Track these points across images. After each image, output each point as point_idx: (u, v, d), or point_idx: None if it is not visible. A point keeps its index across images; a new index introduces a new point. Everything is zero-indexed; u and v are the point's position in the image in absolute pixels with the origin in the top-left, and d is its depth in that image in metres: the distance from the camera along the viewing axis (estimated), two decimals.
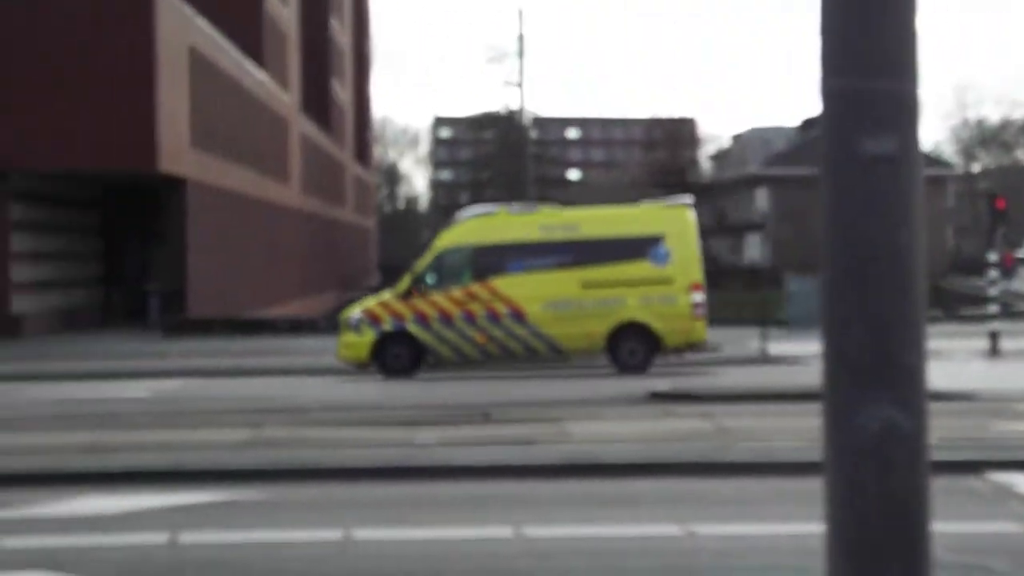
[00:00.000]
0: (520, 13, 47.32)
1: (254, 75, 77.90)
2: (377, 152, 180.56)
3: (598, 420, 23.74)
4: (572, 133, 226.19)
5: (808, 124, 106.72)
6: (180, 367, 40.15)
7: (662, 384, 30.17)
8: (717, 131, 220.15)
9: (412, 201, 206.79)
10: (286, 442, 21.21)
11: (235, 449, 20.60)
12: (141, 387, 34.28)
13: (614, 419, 24.08)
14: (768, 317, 44.17)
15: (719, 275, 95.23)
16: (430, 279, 37.01)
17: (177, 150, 58.61)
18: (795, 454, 19.05)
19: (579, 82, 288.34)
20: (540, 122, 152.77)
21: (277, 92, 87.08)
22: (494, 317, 36.38)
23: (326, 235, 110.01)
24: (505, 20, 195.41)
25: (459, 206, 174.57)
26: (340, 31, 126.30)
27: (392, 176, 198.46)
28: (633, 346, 36.42)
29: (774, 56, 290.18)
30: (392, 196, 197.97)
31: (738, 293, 72.93)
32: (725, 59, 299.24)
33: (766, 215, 56.04)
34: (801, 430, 21.00)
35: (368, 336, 36.56)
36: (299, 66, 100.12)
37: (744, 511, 15.87)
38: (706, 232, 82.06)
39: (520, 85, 57.39)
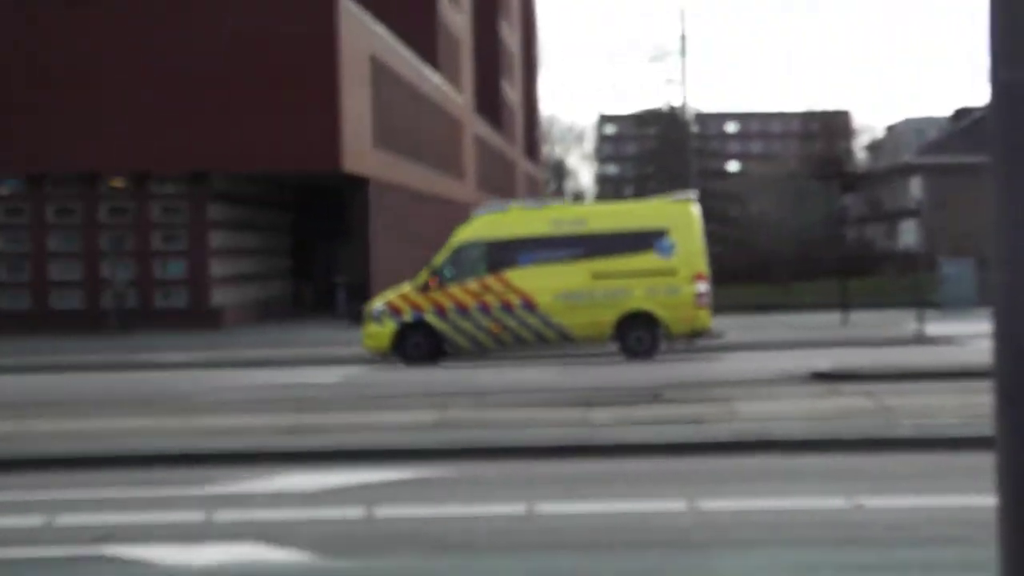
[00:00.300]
0: (682, 13, 47.25)
1: (430, 79, 78.20)
2: (545, 149, 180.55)
3: (764, 399, 23.56)
4: (731, 127, 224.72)
5: (960, 114, 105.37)
6: (369, 354, 40.37)
7: (824, 364, 29.95)
8: (871, 122, 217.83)
9: (579, 195, 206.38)
10: (470, 423, 21.29)
11: (423, 430, 20.73)
12: (332, 373, 34.52)
13: (780, 398, 23.89)
14: (923, 300, 43.91)
15: (874, 260, 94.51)
16: (447, 272, 37.26)
17: (360, 151, 58.96)
18: (957, 430, 18.92)
19: (737, 76, 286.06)
20: (700, 117, 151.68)
21: (452, 94, 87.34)
22: (507, 307, 36.56)
23: None
24: (667, 20, 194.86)
25: (627, 199, 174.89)
26: (509, 35, 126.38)
27: (559, 171, 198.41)
28: (640, 334, 36.45)
29: (926, 48, 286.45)
30: (560, 190, 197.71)
31: (893, 277, 72.30)
32: (879, 51, 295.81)
33: (920, 202, 55.36)
34: (961, 407, 20.85)
35: (389, 327, 36.97)
36: (472, 69, 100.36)
37: (908, 485, 15.74)
38: (862, 219, 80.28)
39: (682, 82, 57.06)
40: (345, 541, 13.42)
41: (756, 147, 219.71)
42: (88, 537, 13.88)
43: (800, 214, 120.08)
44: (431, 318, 36.79)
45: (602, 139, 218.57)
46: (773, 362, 33.11)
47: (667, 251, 36.51)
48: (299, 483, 16.75)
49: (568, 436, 19.61)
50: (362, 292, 59.16)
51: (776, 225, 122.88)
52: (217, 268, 57.14)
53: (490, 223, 38.14)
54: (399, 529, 14.00)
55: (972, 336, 37.57)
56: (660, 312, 36.24)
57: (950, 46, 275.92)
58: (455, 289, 36.88)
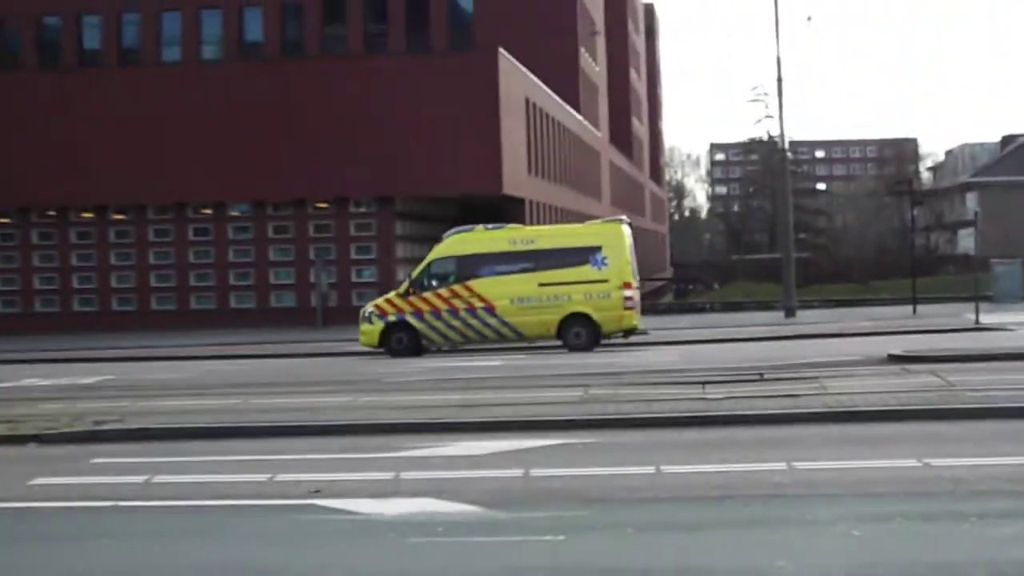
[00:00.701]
0: (778, 60, 47.18)
1: (573, 117, 78.20)
2: (667, 173, 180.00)
3: (848, 378, 23.34)
4: (819, 153, 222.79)
5: (1007, 140, 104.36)
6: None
7: (897, 348, 29.64)
8: (934, 148, 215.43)
9: (695, 211, 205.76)
10: (608, 399, 21.28)
11: (570, 404, 20.75)
12: (494, 359, 34.67)
13: (861, 376, 23.69)
14: (979, 294, 43.61)
15: (938, 262, 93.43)
16: (424, 281, 38.56)
17: (517, 177, 59.11)
18: (1010, 401, 18.71)
19: (824, 109, 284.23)
20: (794, 144, 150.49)
21: (591, 130, 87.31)
22: (472, 310, 37.83)
23: None
24: (766, 63, 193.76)
25: (734, 214, 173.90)
26: (637, 81, 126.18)
27: (679, 192, 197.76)
28: (578, 331, 37.45)
29: (978, 84, 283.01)
30: (679, 207, 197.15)
31: (953, 276, 71.58)
32: (939, 87, 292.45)
33: (975, 214, 55.18)
34: (1013, 382, 20.69)
35: (378, 326, 38.13)
36: (607, 109, 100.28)
37: (971, 448, 15.55)
38: (928, 228, 78.10)
39: (779, 116, 56.72)
40: (506, 496, 13.46)
41: (840, 169, 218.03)
42: (302, 491, 14.04)
43: (877, 225, 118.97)
44: (411, 319, 38.01)
45: (713, 164, 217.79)
46: (855, 347, 32.86)
47: (600, 264, 37.72)
48: (468, 448, 16.81)
49: (689, 409, 19.54)
50: None
51: (857, 234, 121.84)
52: (401, 273, 57.53)
53: (459, 242, 39.23)
54: (550, 486, 14.02)
55: (1021, 324, 37.66)
56: (595, 314, 37.43)
57: (999, 83, 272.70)
58: (430, 295, 38.11)
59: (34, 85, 60.05)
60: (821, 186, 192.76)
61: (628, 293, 37.69)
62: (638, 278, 39.64)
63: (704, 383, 22.87)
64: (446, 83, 55.72)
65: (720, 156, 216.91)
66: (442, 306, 37.99)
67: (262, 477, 15.07)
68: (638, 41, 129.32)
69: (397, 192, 56.18)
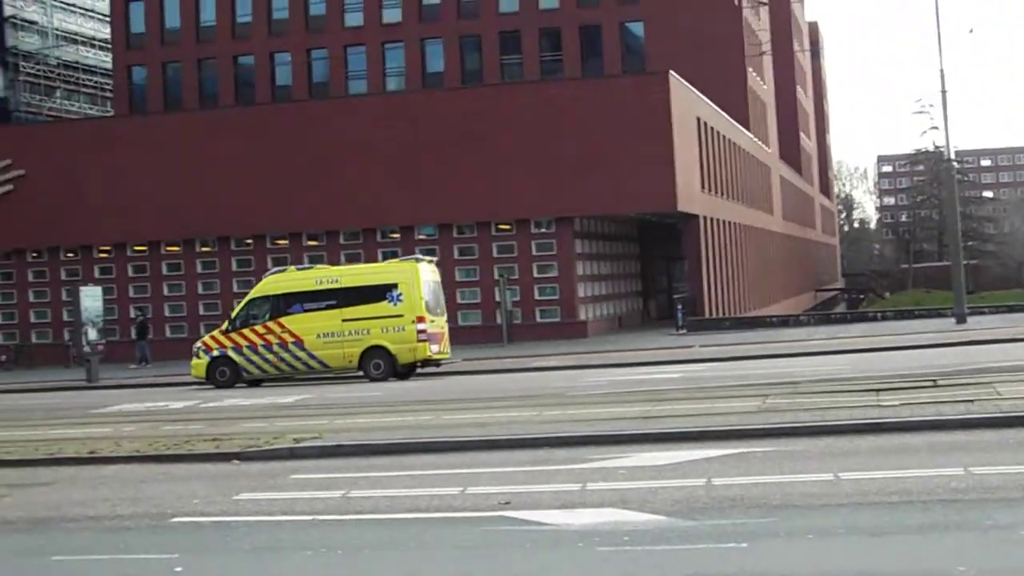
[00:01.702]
0: (942, 73, 46.08)
1: (743, 134, 77.62)
2: (836, 186, 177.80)
3: (1022, 383, 22.73)
4: (986, 161, 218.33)
5: None
6: (701, 355, 40.19)
7: None
8: None
9: (864, 222, 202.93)
10: (787, 408, 20.98)
11: (748, 414, 20.50)
12: (674, 371, 34.45)
13: None
14: None
15: None
16: (242, 319, 40.47)
17: (690, 194, 58.83)
18: None
19: (992, 116, 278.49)
20: (961, 153, 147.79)
21: (761, 147, 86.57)
22: (283, 345, 39.71)
23: (801, 251, 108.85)
24: (930, 76, 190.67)
25: (903, 224, 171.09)
26: (804, 98, 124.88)
27: (848, 204, 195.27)
28: (377, 362, 39.18)
29: None
30: (848, 219, 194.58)
31: None
32: None
33: None
34: None
35: (204, 360, 40.44)
36: (776, 126, 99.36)
37: None
38: None
39: (944, 128, 55.59)
40: (689, 505, 13.32)
41: (1007, 177, 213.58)
42: (492, 503, 14.04)
43: None
44: (232, 353, 40.06)
45: (881, 176, 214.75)
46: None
47: (396, 300, 39.22)
48: (650, 459, 16.66)
49: (864, 416, 19.18)
50: (696, 305, 58.98)
51: None
52: (581, 290, 57.63)
53: (273, 282, 41.05)
54: (731, 494, 13.83)
55: None
56: (391, 346, 39.12)
57: None
58: (248, 332, 40.08)
59: (227, 119, 61.20)
60: (988, 194, 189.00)
61: (421, 326, 39.14)
62: (441, 311, 41.25)
63: (878, 390, 22.41)
64: (619, 106, 55.73)
65: (887, 168, 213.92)
66: (258, 341, 39.94)
67: (454, 490, 15.10)
68: (804, 58, 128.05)
69: (575, 212, 56.29)
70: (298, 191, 57.26)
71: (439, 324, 40.51)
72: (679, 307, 57.84)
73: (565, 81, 63.56)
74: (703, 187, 62.69)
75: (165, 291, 59.99)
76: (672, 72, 57.32)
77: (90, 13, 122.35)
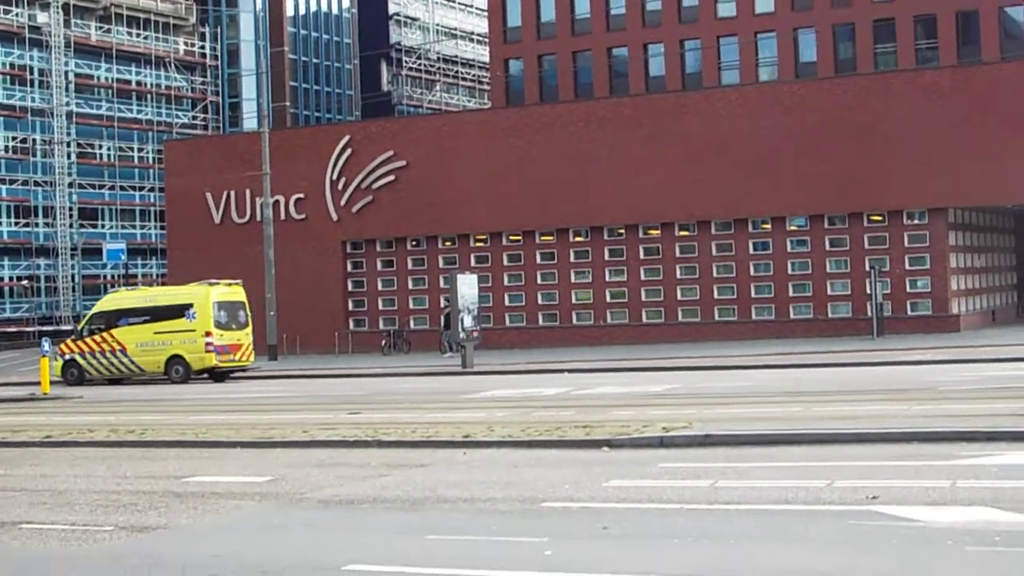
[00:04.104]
0: None
1: None
2: None
3: None
4: None
5: None
6: None
7: None
8: None
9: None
10: None
11: None
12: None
13: None
14: None
15: None
16: (86, 330, 50.07)
17: None
18: None
19: None
20: None
21: None
22: (112, 352, 48.95)
23: None
24: None
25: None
26: None
27: None
28: (177, 367, 47.82)
29: None
30: None
31: None
32: None
33: None
34: None
35: (59, 363, 49.56)
36: None
37: None
38: None
39: None
40: None
41: None
42: (859, 497, 13.89)
43: None
44: (78, 358, 49.57)
45: None
46: None
47: (191, 317, 47.79)
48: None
49: None
50: None
51: None
52: (954, 283, 56.12)
53: (110, 300, 52.30)
54: None
55: None
56: (187, 355, 47.68)
57: None
58: (89, 340, 49.46)
59: (602, 111, 61.85)
60: None
61: (209, 340, 47.24)
62: (237, 327, 48.45)
63: None
64: (998, 93, 53.95)
65: None
66: (96, 348, 49.10)
67: (820, 483, 15.01)
68: None
69: (950, 202, 54.85)
70: (669, 181, 57.54)
71: (232, 337, 48.12)
72: None
73: (941, 69, 61.80)
74: None
75: (538, 280, 61.23)
76: None
77: (469, 9, 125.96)
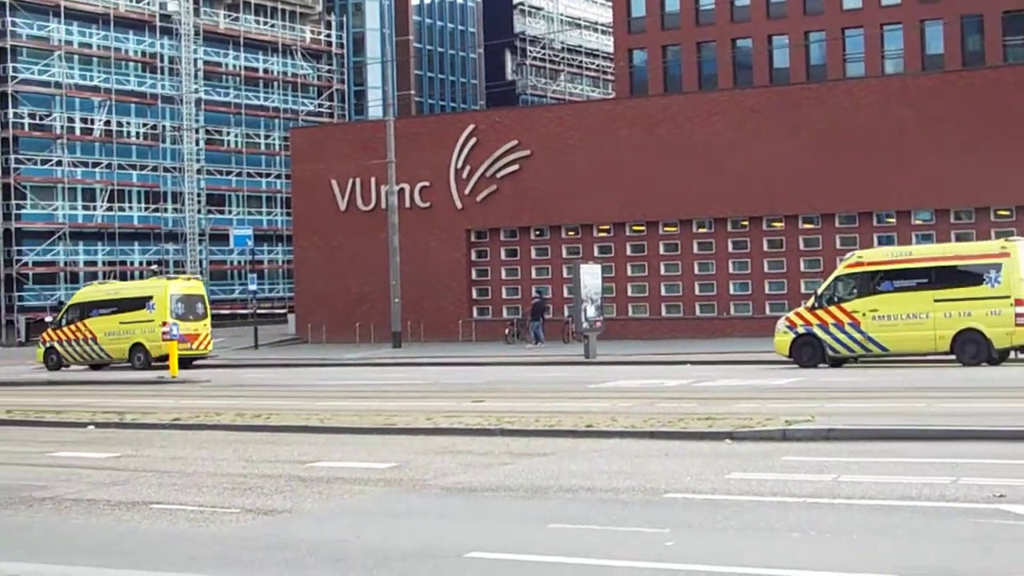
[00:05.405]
0: None
1: None
2: None
3: None
4: None
5: None
6: None
7: None
8: None
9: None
10: None
11: None
12: None
13: None
14: None
15: None
16: (65, 319, 53.97)
17: None
18: None
19: None
20: None
21: None
22: (85, 340, 52.81)
23: None
24: None
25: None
26: None
27: None
28: (139, 355, 51.44)
29: None
30: None
31: None
32: None
33: None
34: None
35: (41, 349, 54.81)
36: None
37: None
38: None
39: None
40: None
41: None
42: (986, 495, 13.72)
43: None
44: (56, 345, 53.60)
45: None
46: None
47: (152, 309, 51.45)
48: None
49: None
50: None
51: None
52: None
53: (83, 293, 56.55)
54: None
55: None
56: (147, 344, 51.17)
57: None
58: (66, 329, 53.50)
59: (725, 102, 61.50)
60: None
61: (165, 328, 49.81)
62: (195, 317, 52.18)
63: None
64: None
65: None
66: (71, 337, 53.14)
67: (945, 480, 14.86)
68: None
69: None
70: (793, 173, 57.05)
71: (189, 327, 51.27)
72: None
73: None
74: None
75: (661, 270, 61.06)
76: None
77: None
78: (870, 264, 37.51)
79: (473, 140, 63.77)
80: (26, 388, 44.10)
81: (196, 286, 54.10)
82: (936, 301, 35.68)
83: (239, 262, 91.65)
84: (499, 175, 63.26)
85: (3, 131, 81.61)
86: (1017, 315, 34.96)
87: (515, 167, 62.96)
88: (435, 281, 64.51)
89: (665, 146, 59.61)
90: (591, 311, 46.66)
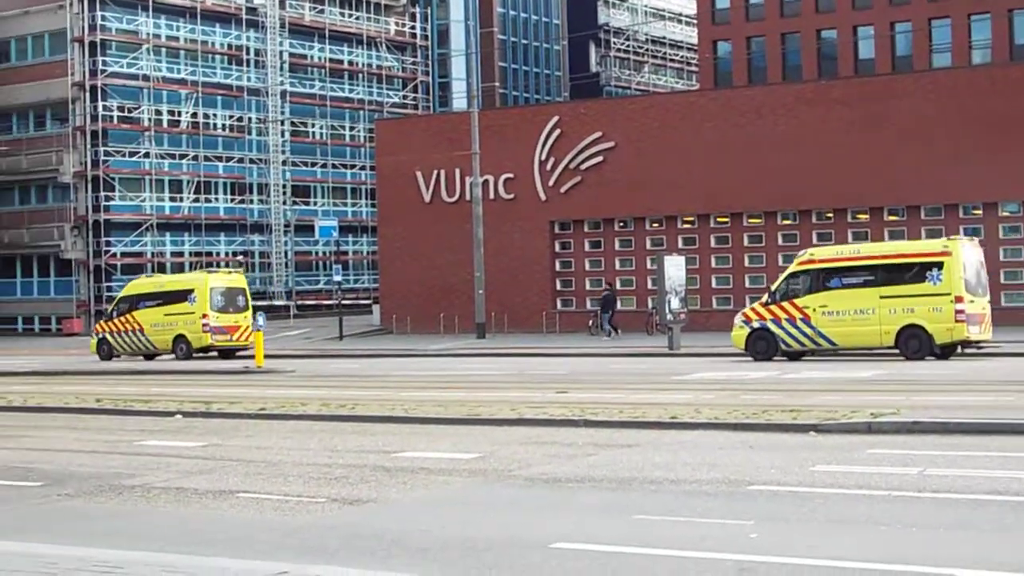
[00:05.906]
0: None
1: None
2: None
3: None
4: None
5: None
6: None
7: None
8: None
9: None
10: None
11: None
12: None
13: None
14: None
15: None
16: (115, 312, 55.74)
17: None
18: None
19: None
20: None
21: None
22: (133, 331, 54.41)
23: None
24: None
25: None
26: None
27: None
28: (181, 346, 53.09)
29: None
30: None
31: None
32: None
33: None
34: None
35: (94, 339, 56.57)
36: None
37: None
38: None
39: None
40: None
41: None
42: None
43: None
44: (107, 336, 55.20)
45: None
46: None
47: (193, 302, 52.92)
48: None
49: None
50: None
51: None
52: None
53: (132, 286, 57.69)
54: None
55: None
56: (188, 335, 52.73)
57: None
58: (116, 321, 55.14)
59: (809, 93, 61.06)
60: None
61: (205, 322, 52.45)
62: (235, 309, 53.57)
63: None
64: None
65: None
66: (122, 328, 54.67)
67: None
68: None
69: None
70: (878, 165, 56.53)
71: (229, 320, 53.00)
72: None
73: None
74: None
75: (745, 262, 60.76)
76: None
77: None
78: (820, 261, 39.41)
79: (557, 132, 63.75)
80: (113, 376, 44.66)
81: (237, 279, 55.47)
82: (882, 298, 37.57)
83: (324, 253, 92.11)
84: (583, 167, 63.19)
85: (93, 124, 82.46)
86: (957, 312, 36.71)
87: (599, 159, 62.87)
88: (519, 272, 64.58)
89: (749, 137, 59.29)
90: (675, 303, 46.54)
